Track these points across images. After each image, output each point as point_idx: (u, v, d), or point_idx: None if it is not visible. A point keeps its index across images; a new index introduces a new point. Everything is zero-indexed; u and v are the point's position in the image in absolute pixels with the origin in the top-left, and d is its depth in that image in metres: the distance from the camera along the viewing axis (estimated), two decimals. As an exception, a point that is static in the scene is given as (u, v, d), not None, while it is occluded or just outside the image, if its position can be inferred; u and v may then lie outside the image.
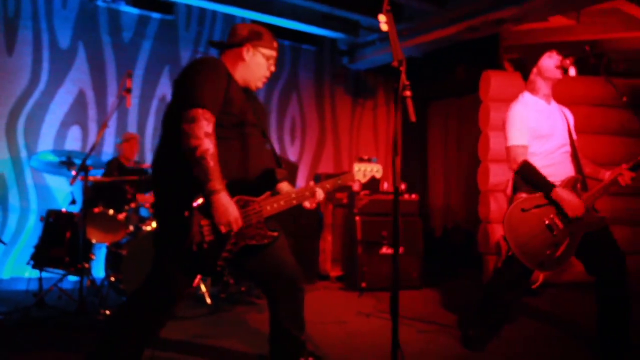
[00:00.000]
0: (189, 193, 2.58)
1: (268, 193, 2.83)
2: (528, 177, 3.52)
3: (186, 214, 2.56)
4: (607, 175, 3.65)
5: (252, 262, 2.89)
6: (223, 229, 2.60)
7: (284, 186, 3.00)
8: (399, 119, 2.03)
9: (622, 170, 3.55)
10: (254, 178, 2.81)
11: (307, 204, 3.01)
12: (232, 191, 2.62)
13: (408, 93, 2.03)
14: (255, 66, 2.92)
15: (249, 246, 2.75)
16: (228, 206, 2.58)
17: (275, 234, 2.82)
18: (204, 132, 2.53)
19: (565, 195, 3.42)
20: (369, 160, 3.09)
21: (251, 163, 2.80)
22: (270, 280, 2.99)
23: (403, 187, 6.80)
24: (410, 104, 2.03)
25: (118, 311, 2.90)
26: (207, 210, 2.57)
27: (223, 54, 2.94)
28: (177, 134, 2.59)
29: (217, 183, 2.54)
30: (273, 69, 3.00)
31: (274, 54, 2.97)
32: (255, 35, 2.92)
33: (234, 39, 2.92)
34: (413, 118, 2.00)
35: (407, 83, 2.03)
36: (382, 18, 2.24)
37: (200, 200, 2.56)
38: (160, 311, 2.78)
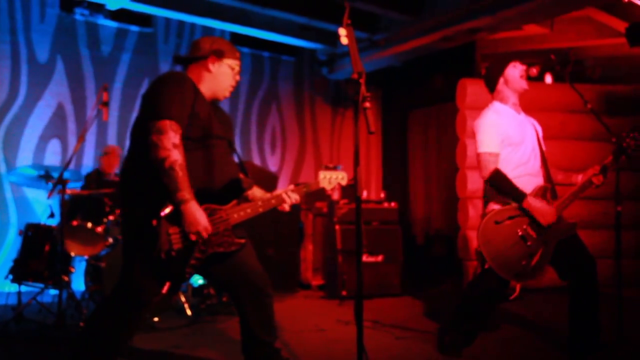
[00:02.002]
0: (157, 202, 2.64)
1: (234, 201, 2.89)
2: (499, 185, 3.54)
3: (154, 222, 2.60)
4: (579, 178, 3.71)
5: (219, 269, 2.94)
6: (193, 237, 2.66)
7: (257, 192, 3.09)
8: (360, 129, 2.07)
9: (592, 173, 3.61)
10: (220, 187, 2.86)
11: (284, 207, 3.06)
12: (199, 200, 2.68)
13: (367, 104, 2.08)
14: (222, 76, 2.99)
15: (216, 253, 2.80)
16: (197, 214, 2.64)
17: (243, 240, 2.88)
18: (172, 142, 2.60)
19: (536, 204, 3.46)
20: (334, 168, 3.15)
21: (216, 172, 2.86)
22: (237, 287, 3.03)
23: (382, 195, 6.87)
24: (370, 114, 2.08)
25: (88, 321, 2.94)
26: (175, 218, 2.63)
27: (187, 68, 3.00)
28: (144, 145, 2.64)
29: (186, 192, 2.61)
30: (238, 77, 3.08)
31: (237, 63, 3.05)
32: (219, 47, 2.99)
33: (198, 52, 2.98)
34: (372, 128, 2.05)
35: (368, 94, 2.08)
36: (342, 31, 2.29)
37: (168, 209, 2.61)
38: (129, 319, 2.81)
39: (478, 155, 3.63)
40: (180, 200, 2.60)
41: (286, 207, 3.07)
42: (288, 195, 3.03)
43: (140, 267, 2.72)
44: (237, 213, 2.87)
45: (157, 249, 2.61)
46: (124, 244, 2.89)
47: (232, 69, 3.03)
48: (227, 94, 3.06)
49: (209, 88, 2.96)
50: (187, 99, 2.76)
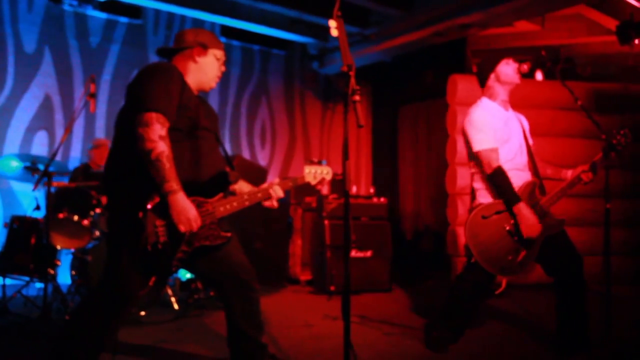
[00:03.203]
0: (143, 194, 2.61)
1: (220, 194, 2.87)
2: (498, 183, 3.52)
3: (140, 214, 2.57)
4: (568, 174, 3.71)
5: (205, 263, 2.92)
6: (182, 228, 2.63)
7: (244, 187, 3.08)
8: (349, 123, 2.05)
9: (582, 170, 3.62)
10: (206, 180, 2.84)
11: (268, 203, 3.05)
12: (185, 192, 2.65)
13: (357, 97, 2.06)
14: (208, 67, 2.99)
15: (203, 247, 2.78)
16: (186, 205, 2.62)
17: (229, 234, 2.87)
18: (158, 134, 2.57)
19: (526, 213, 3.45)
20: (319, 163, 3.16)
21: (203, 165, 2.84)
22: (224, 282, 3.01)
23: (372, 190, 6.86)
24: (359, 108, 2.05)
25: (73, 314, 2.91)
26: (162, 211, 2.60)
27: (172, 60, 2.98)
28: (130, 137, 2.61)
29: (174, 183, 2.58)
30: (223, 68, 3.08)
31: (222, 53, 3.05)
32: (204, 38, 2.98)
33: (183, 44, 2.96)
34: (361, 122, 2.03)
35: (357, 88, 2.05)
36: (332, 23, 2.26)
37: (154, 201, 2.58)
38: (114, 312, 2.78)
39: (478, 153, 3.60)
40: (168, 191, 2.57)
41: (274, 203, 3.06)
42: (274, 190, 3.01)
43: (125, 260, 2.69)
44: (223, 206, 2.85)
45: (143, 241, 2.58)
46: (109, 236, 2.86)
47: (218, 59, 3.03)
48: (213, 84, 3.07)
49: (195, 79, 2.95)
50: (174, 90, 2.72)
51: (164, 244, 2.65)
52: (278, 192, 3.03)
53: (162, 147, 2.56)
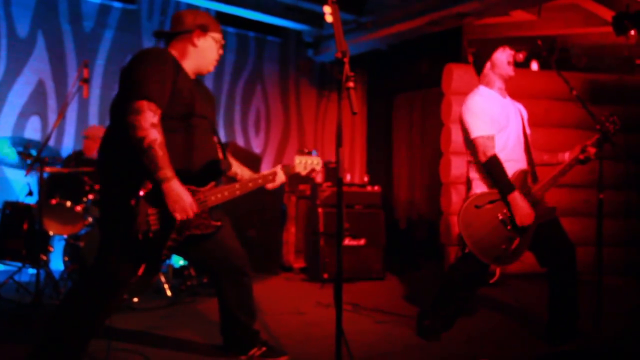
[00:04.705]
0: (135, 182, 2.59)
1: (212, 183, 2.86)
2: (493, 171, 3.52)
3: (132, 202, 2.56)
4: (565, 156, 3.71)
5: (198, 250, 2.93)
6: (178, 217, 2.62)
7: (246, 173, 3.13)
8: (343, 110, 2.04)
9: (580, 149, 3.62)
10: (198, 169, 2.82)
11: (269, 185, 3.10)
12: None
13: (351, 84, 2.04)
14: (207, 50, 2.96)
15: (193, 235, 2.78)
16: (181, 193, 2.61)
17: (219, 223, 2.87)
18: (150, 122, 2.54)
19: (520, 202, 3.46)
20: (309, 153, 3.22)
21: (195, 154, 2.82)
22: (216, 268, 3.02)
23: (366, 178, 6.86)
24: (353, 95, 2.04)
25: (64, 300, 2.90)
26: (154, 199, 2.59)
27: (170, 44, 2.94)
28: (122, 125, 2.59)
29: (168, 171, 2.57)
30: (221, 51, 3.05)
31: (221, 37, 3.02)
32: (203, 21, 2.94)
33: (181, 27, 2.92)
34: (355, 109, 2.02)
35: (351, 74, 2.04)
36: (327, 9, 2.25)
37: (147, 189, 2.56)
38: (104, 298, 2.77)
39: (474, 140, 3.58)
40: (162, 179, 2.56)
41: (273, 186, 3.12)
42: (264, 179, 3.06)
43: (116, 247, 2.68)
44: (214, 195, 2.85)
45: (134, 229, 2.57)
46: (100, 222, 2.86)
47: (217, 42, 2.99)
48: (211, 68, 3.03)
49: (193, 63, 2.91)
50: (167, 76, 2.69)
51: (155, 232, 2.64)
52: (269, 178, 3.06)
53: (154, 135, 2.54)
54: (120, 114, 2.62)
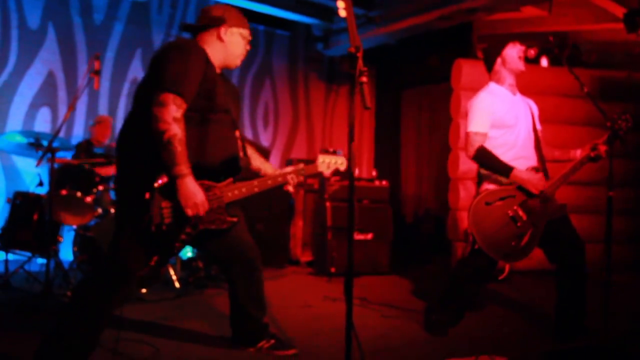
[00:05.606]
0: (151, 173, 2.60)
1: (230, 179, 2.86)
2: (485, 162, 3.57)
3: (147, 195, 2.57)
4: (577, 153, 3.72)
5: (211, 244, 2.96)
6: (189, 212, 2.63)
7: (268, 168, 3.15)
8: (356, 104, 2.04)
9: (591, 146, 3.62)
10: (217, 164, 2.82)
11: (289, 188, 3.12)
12: (194, 175, 2.64)
13: (364, 79, 2.05)
14: (234, 45, 2.95)
15: (208, 230, 2.78)
16: (194, 190, 2.61)
17: (235, 219, 2.87)
18: (172, 116, 2.54)
19: (523, 175, 3.49)
20: (334, 152, 3.16)
21: (215, 149, 2.82)
22: (230, 262, 3.04)
23: (374, 173, 6.87)
24: (366, 89, 2.04)
25: (75, 291, 2.91)
26: (169, 192, 2.60)
27: (197, 37, 2.93)
28: (145, 114, 2.59)
29: (184, 167, 2.57)
30: (248, 47, 3.04)
31: (248, 32, 3.02)
32: (231, 16, 2.94)
33: (209, 21, 2.91)
34: (368, 104, 2.02)
35: (364, 69, 2.05)
36: (340, 4, 2.25)
37: (162, 182, 2.57)
38: (114, 289, 2.76)
39: (466, 133, 3.65)
40: (177, 175, 2.56)
41: (291, 188, 3.12)
42: (291, 177, 3.07)
43: (129, 238, 2.69)
44: (231, 192, 2.86)
45: (147, 221, 2.58)
46: (116, 212, 2.86)
47: (244, 38, 2.99)
48: (238, 62, 3.03)
49: (220, 57, 2.91)
50: (197, 71, 2.68)
51: (169, 226, 2.65)
52: (291, 175, 3.08)
53: (175, 130, 2.53)
54: (145, 101, 2.61)
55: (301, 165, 3.15)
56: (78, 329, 2.70)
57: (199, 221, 2.72)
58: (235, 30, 2.94)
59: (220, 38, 2.90)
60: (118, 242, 2.75)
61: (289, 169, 3.11)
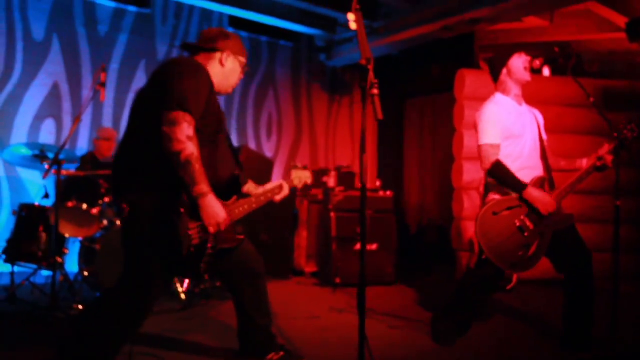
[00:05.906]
0: (171, 195, 2.56)
1: (234, 197, 2.88)
2: (500, 176, 3.56)
3: (174, 218, 2.54)
4: (583, 162, 3.73)
5: (221, 262, 2.94)
6: (212, 230, 2.60)
7: (251, 186, 3.16)
8: (367, 116, 2.06)
9: (597, 156, 3.63)
10: (224, 183, 2.83)
11: (277, 197, 3.27)
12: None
13: (375, 91, 2.07)
14: (232, 73, 2.97)
15: (222, 250, 2.77)
16: (217, 207, 2.58)
17: (242, 237, 2.91)
18: (186, 135, 2.48)
19: (536, 194, 3.49)
20: (303, 168, 3.51)
21: (221, 169, 2.82)
22: (236, 275, 3.06)
23: (378, 183, 6.87)
24: (377, 101, 2.06)
25: (93, 309, 2.78)
26: (192, 213, 2.57)
27: (196, 57, 2.91)
28: (150, 130, 2.55)
29: (204, 185, 2.53)
30: (242, 76, 3.06)
31: (245, 62, 3.03)
32: (234, 43, 2.95)
33: (212, 44, 2.91)
34: (380, 116, 2.04)
35: (375, 81, 2.06)
36: (351, 17, 2.27)
37: (185, 204, 2.55)
38: (138, 312, 2.71)
39: (479, 147, 3.63)
40: (198, 194, 2.51)
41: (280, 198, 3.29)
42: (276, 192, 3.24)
43: (155, 265, 2.62)
44: (237, 209, 2.90)
45: (177, 245, 2.54)
46: (129, 234, 2.70)
47: (242, 66, 3.00)
48: (230, 90, 3.04)
49: (217, 81, 2.86)
50: (205, 90, 2.66)
51: (196, 247, 2.61)
52: (282, 194, 3.29)
53: (191, 149, 2.48)
54: (147, 118, 2.59)
55: (279, 183, 3.29)
56: (101, 349, 2.65)
57: (216, 240, 2.69)
58: (237, 57, 2.95)
59: (221, 62, 2.90)
60: (140, 269, 2.66)
61: (276, 183, 3.27)
